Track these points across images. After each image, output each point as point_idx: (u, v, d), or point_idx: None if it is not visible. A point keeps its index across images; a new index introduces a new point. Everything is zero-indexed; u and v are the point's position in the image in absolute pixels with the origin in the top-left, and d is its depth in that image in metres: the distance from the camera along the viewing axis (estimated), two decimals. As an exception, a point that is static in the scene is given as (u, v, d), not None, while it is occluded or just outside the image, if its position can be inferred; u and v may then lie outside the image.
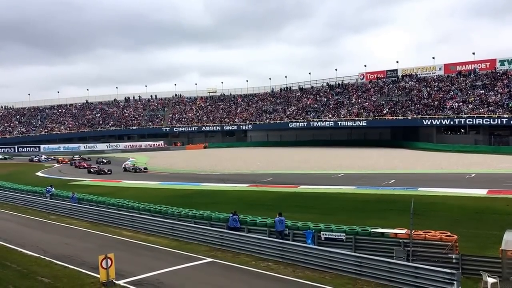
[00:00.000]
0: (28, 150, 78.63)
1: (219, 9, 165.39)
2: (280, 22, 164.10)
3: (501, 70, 62.35)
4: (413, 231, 13.25)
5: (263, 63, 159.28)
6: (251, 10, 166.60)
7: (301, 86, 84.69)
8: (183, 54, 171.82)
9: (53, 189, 28.58)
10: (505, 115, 52.84)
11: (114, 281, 12.34)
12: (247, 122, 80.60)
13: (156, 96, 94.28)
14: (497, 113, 53.86)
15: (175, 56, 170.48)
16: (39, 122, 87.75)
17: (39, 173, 46.85)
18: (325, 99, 76.90)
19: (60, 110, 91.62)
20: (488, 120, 53.77)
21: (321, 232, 15.17)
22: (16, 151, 77.95)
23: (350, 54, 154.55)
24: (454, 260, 12.48)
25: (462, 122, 56.30)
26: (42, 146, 79.90)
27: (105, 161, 56.01)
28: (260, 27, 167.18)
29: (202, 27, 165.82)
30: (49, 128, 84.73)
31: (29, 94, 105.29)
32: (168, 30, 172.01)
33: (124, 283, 12.51)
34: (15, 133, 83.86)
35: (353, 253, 13.47)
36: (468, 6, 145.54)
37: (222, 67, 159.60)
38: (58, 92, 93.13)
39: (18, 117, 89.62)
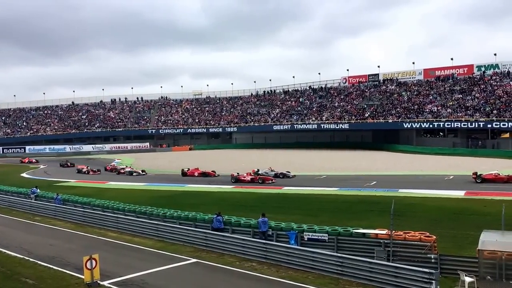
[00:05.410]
0: (13, 151, 77.51)
1: (215, 10, 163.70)
2: (277, 25, 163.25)
3: (477, 75, 63.99)
4: (393, 231, 13.55)
5: (256, 65, 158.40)
6: (249, 11, 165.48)
7: (285, 89, 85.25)
8: (176, 55, 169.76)
9: (38, 190, 28.24)
10: (482, 119, 54.13)
11: (98, 281, 12.38)
12: (232, 125, 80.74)
13: (142, 98, 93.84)
14: (474, 117, 55.20)
15: (168, 58, 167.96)
16: (24, 123, 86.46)
17: (24, 174, 46.13)
18: (309, 102, 77.64)
19: (46, 112, 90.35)
20: (466, 123, 54.95)
21: (304, 233, 15.38)
22: (1, 152, 76.62)
23: (342, 57, 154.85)
24: (433, 260, 12.79)
25: (441, 126, 57.52)
26: (27, 147, 78.88)
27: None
28: (256, 29, 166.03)
29: (197, 28, 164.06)
30: (35, 130, 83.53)
31: (14, 95, 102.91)
32: (162, 31, 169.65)
33: (109, 283, 12.56)
34: (0, 134, 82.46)
35: (335, 253, 13.69)
36: (461, 10, 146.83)
37: (214, 69, 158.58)
38: (44, 93, 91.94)
39: (3, 118, 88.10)
